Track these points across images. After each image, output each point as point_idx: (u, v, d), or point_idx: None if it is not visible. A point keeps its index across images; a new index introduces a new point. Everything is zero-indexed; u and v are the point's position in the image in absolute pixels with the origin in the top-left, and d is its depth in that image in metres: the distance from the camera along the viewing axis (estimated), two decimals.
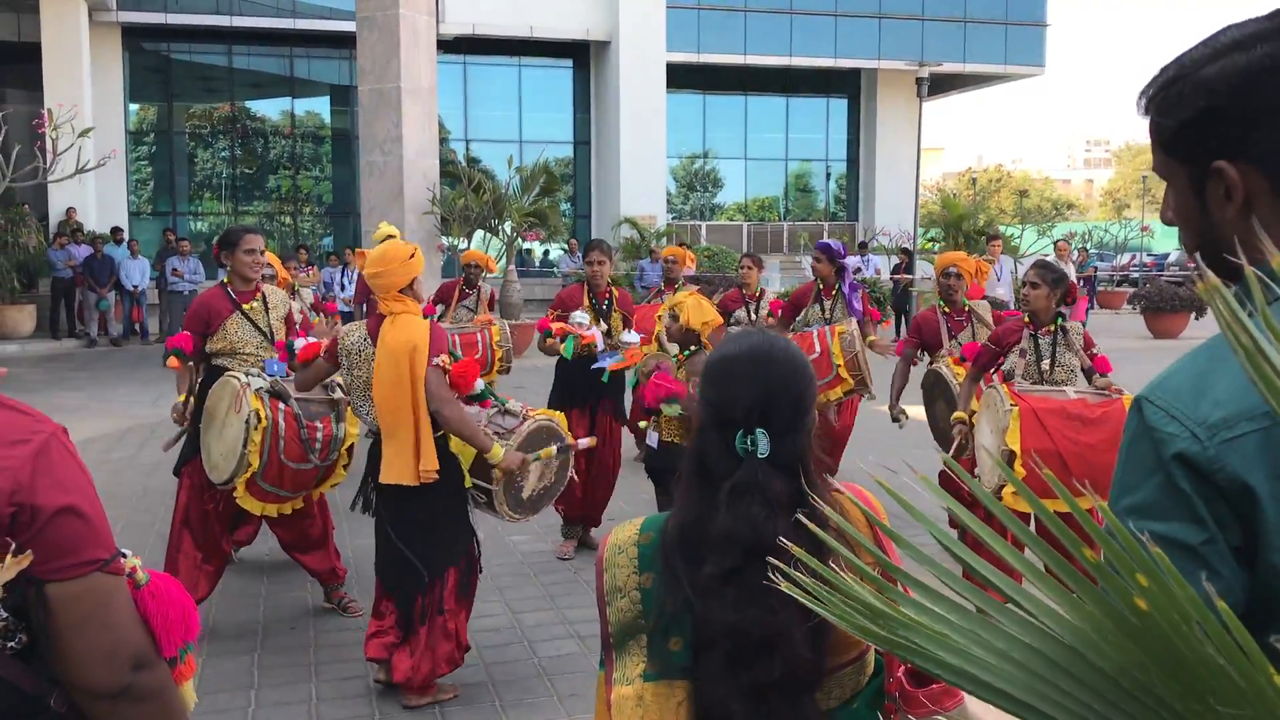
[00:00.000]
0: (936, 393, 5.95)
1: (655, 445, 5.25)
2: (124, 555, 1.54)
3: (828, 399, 6.65)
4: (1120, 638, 0.76)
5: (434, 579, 4.24)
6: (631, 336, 6.46)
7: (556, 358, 6.54)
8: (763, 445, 1.64)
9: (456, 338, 8.12)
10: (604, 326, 6.49)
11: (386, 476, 4.16)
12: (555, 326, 6.43)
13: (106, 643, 1.46)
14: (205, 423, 4.90)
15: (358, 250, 4.75)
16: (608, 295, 6.60)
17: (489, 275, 9.42)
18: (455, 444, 4.28)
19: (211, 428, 4.87)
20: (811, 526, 1.17)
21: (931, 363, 6.33)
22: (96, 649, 1.45)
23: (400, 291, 4.23)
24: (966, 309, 6.31)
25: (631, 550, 1.74)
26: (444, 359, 4.15)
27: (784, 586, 0.99)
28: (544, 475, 4.50)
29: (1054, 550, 0.90)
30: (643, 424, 5.37)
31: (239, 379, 4.80)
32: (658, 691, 1.64)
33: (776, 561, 1.12)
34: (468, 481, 4.36)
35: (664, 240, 23.57)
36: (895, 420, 6.68)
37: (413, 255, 4.28)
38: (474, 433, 4.17)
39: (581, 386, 6.38)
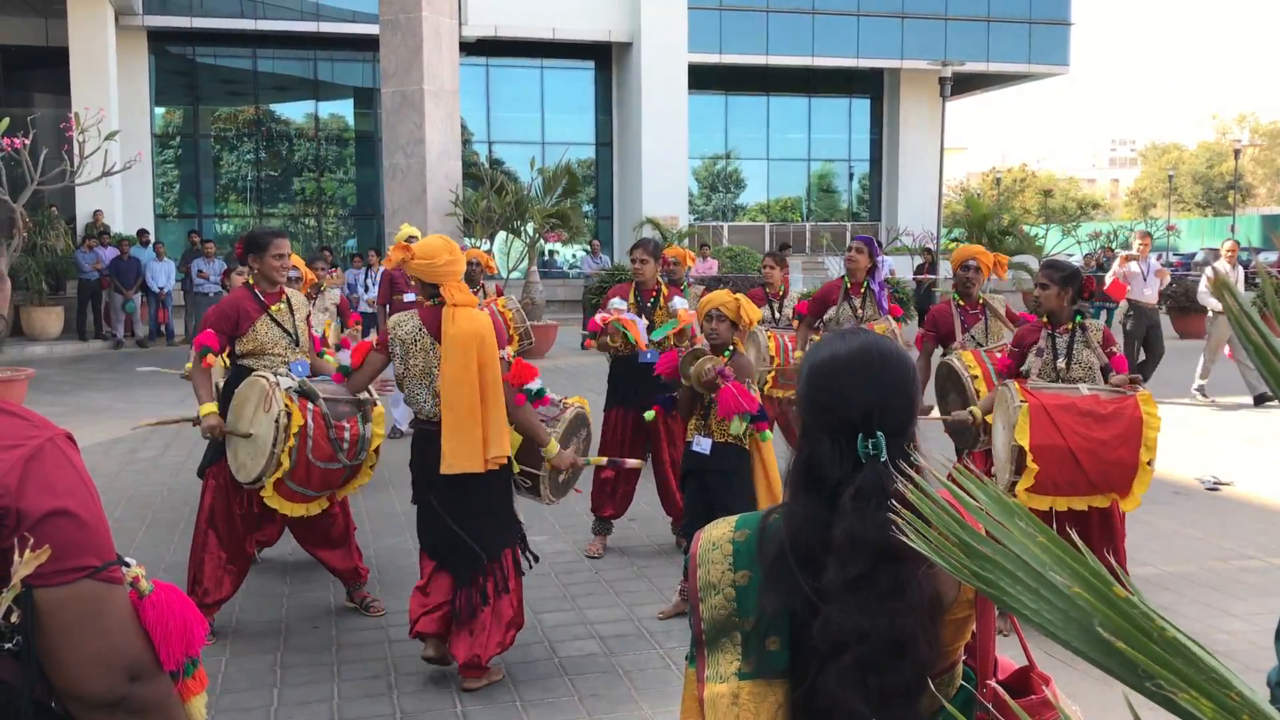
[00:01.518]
0: (949, 384, 5.92)
1: (708, 450, 5.07)
2: (126, 564, 1.51)
3: None
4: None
5: (493, 561, 4.41)
6: (680, 303, 6.45)
7: (606, 357, 6.66)
8: (884, 448, 1.63)
9: None
10: (645, 322, 6.51)
11: (449, 468, 4.24)
12: (599, 316, 6.51)
13: (97, 651, 1.42)
14: (231, 422, 4.91)
15: (398, 243, 4.79)
16: (654, 294, 6.63)
17: (488, 275, 9.48)
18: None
19: (238, 427, 4.89)
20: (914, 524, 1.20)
21: (945, 354, 6.26)
22: (87, 658, 1.42)
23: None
24: (981, 302, 6.27)
25: (726, 547, 1.72)
26: (508, 351, 4.43)
27: (909, 538, 1.12)
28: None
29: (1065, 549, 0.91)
30: (691, 425, 5.21)
31: (267, 378, 4.82)
32: (754, 690, 1.63)
33: (898, 505, 1.23)
34: (515, 468, 4.58)
35: (685, 241, 23.56)
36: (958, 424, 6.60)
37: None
38: (538, 427, 4.49)
39: (631, 386, 6.40)
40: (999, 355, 5.78)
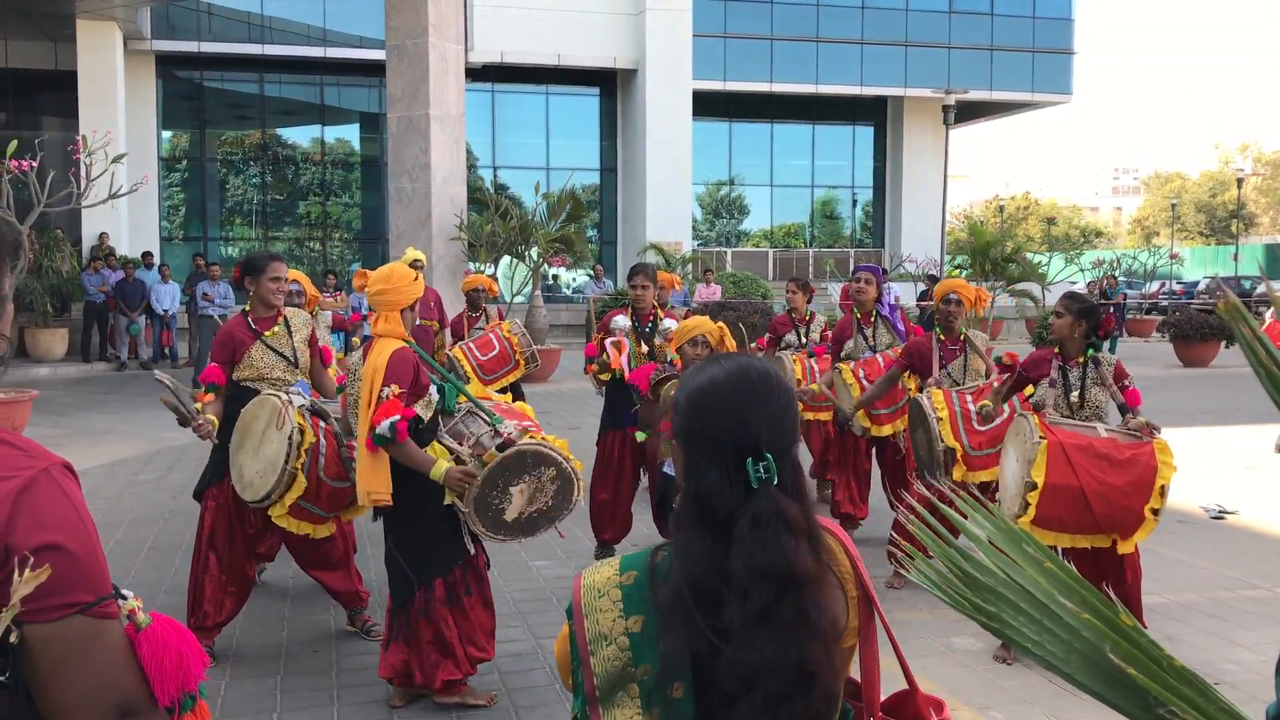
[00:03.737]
0: (917, 422, 5.88)
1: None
2: (123, 596, 1.49)
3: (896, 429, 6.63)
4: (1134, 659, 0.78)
5: (422, 587, 4.36)
6: (670, 324, 6.46)
7: (597, 391, 6.69)
8: (775, 471, 1.55)
9: (474, 347, 8.33)
10: (645, 349, 6.53)
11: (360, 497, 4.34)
12: (608, 345, 6.53)
13: (87, 689, 1.40)
14: (237, 442, 4.88)
15: (358, 270, 4.88)
16: (651, 318, 6.65)
17: (490, 299, 9.55)
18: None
19: (245, 446, 4.85)
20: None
21: (920, 389, 6.20)
22: (76, 695, 1.39)
23: (402, 312, 4.34)
24: (962, 337, 6.20)
25: (614, 593, 1.59)
26: (393, 389, 4.14)
27: (912, 572, 1.03)
28: (534, 498, 4.32)
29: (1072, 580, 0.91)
30: (663, 449, 5.32)
31: (280, 397, 4.82)
32: None
33: (898, 538, 1.17)
34: (447, 498, 4.30)
35: (689, 266, 23.61)
36: (846, 424, 6.68)
37: (416, 279, 4.43)
38: (409, 458, 4.19)
39: (625, 408, 6.41)
40: (970, 396, 5.75)
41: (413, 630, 4.36)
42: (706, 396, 1.62)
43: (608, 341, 6.56)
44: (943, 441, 5.62)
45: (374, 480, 4.20)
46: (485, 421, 4.49)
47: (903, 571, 1.20)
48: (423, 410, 4.36)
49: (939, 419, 5.66)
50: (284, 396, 4.83)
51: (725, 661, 1.48)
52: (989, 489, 5.76)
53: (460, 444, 4.40)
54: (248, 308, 5.25)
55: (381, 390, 4.13)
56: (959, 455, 5.62)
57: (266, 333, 5.17)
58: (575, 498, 4.42)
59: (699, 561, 1.53)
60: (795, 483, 1.57)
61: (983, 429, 5.61)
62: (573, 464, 4.38)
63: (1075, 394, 5.08)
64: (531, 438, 4.32)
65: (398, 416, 4.11)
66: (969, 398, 5.77)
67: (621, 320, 6.61)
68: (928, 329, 6.45)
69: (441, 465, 4.17)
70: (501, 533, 4.31)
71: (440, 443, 4.41)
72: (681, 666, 1.52)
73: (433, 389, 4.44)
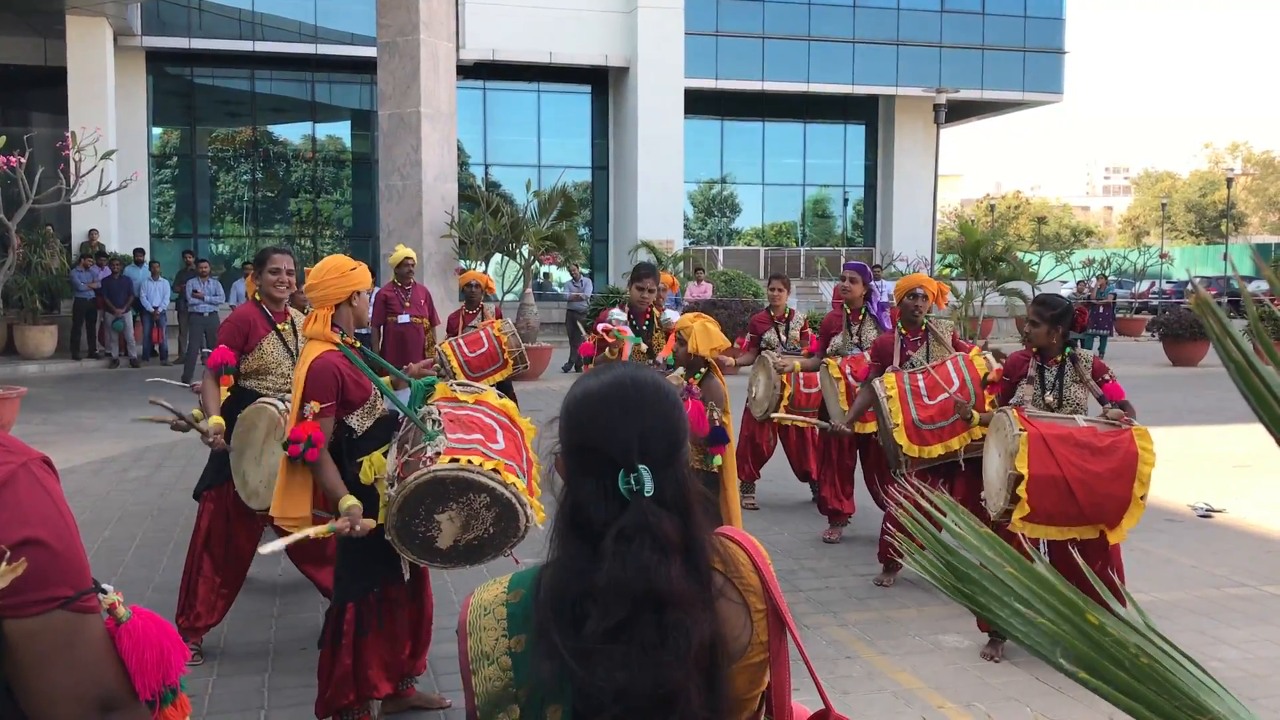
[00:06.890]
0: (873, 406, 6.11)
1: None
2: (103, 590, 1.49)
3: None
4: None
5: (337, 605, 4.12)
6: (671, 315, 6.43)
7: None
8: (648, 483, 1.50)
9: (463, 343, 8.32)
10: (645, 347, 6.51)
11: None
12: (600, 328, 6.46)
13: (69, 683, 1.40)
14: (238, 449, 4.82)
15: (308, 270, 4.58)
16: (648, 317, 6.64)
17: (487, 297, 9.54)
18: (367, 477, 4.00)
19: (246, 454, 4.79)
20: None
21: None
22: (58, 688, 1.39)
23: (339, 306, 4.03)
24: (924, 329, 6.30)
25: (499, 610, 1.56)
26: (313, 406, 3.86)
27: (904, 552, 1.02)
28: (469, 525, 3.77)
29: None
30: None
31: (277, 405, 4.74)
32: None
33: (893, 529, 1.18)
34: (380, 517, 3.88)
35: (680, 265, 23.63)
36: (836, 435, 6.70)
37: (354, 268, 4.07)
38: (326, 483, 3.94)
39: None
40: (921, 376, 5.91)
41: (323, 650, 4.13)
42: (581, 407, 1.59)
43: (600, 326, 6.46)
44: (891, 420, 5.80)
45: (286, 502, 3.94)
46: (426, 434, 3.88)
47: (899, 561, 1.19)
48: (358, 421, 4.08)
49: (888, 396, 5.88)
50: (280, 405, 4.76)
51: (577, 682, 1.43)
52: (957, 472, 5.76)
53: (403, 454, 3.88)
54: (257, 298, 5.22)
55: (302, 407, 3.85)
56: (905, 432, 5.77)
57: (279, 325, 5.15)
58: (523, 524, 3.78)
59: (568, 576, 1.49)
60: (677, 496, 1.53)
61: (932, 403, 5.77)
62: (514, 489, 3.72)
63: (1051, 394, 5.13)
64: (470, 461, 3.70)
65: (309, 446, 3.83)
66: (920, 377, 5.92)
67: (617, 313, 6.54)
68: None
69: (348, 501, 3.84)
70: (438, 560, 3.89)
71: (388, 453, 4.03)
72: (556, 688, 1.47)
73: (375, 393, 4.14)
